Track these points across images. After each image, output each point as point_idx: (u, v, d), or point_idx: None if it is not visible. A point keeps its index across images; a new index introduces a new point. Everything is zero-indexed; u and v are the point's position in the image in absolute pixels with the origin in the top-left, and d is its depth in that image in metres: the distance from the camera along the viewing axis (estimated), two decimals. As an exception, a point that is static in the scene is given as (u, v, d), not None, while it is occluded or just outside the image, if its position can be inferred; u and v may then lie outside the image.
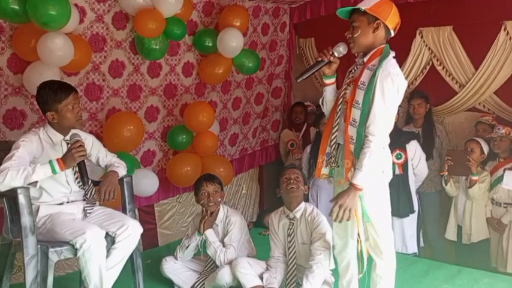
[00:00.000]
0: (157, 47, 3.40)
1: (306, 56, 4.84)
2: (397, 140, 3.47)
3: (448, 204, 3.77)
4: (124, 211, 2.64)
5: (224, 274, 2.79)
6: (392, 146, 3.38)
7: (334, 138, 2.28)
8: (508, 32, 3.60)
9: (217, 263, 2.90)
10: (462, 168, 3.43)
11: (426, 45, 3.99)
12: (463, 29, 3.80)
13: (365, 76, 2.15)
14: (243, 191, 4.76)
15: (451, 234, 3.69)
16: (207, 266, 3.04)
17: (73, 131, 2.42)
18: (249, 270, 2.75)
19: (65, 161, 2.23)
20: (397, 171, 3.46)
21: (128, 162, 2.81)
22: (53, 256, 2.26)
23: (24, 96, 2.95)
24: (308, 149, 4.09)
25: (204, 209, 3.02)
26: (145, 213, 3.81)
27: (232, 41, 3.74)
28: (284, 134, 4.79)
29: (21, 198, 2.16)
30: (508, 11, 3.57)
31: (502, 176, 3.39)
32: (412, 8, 3.94)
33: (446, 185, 3.60)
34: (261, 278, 2.77)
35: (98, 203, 2.57)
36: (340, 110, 2.26)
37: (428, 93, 3.89)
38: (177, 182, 3.75)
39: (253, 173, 4.89)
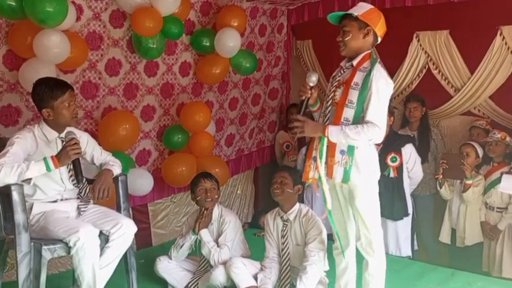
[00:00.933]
0: (155, 46, 3.40)
1: (303, 57, 4.84)
2: (393, 143, 3.49)
3: (442, 207, 3.78)
4: (118, 210, 2.62)
5: (218, 274, 2.78)
6: (388, 149, 3.46)
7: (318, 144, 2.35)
8: (503, 37, 3.63)
9: (212, 262, 2.90)
10: (457, 171, 3.45)
11: (423, 49, 4.01)
12: (460, 34, 3.82)
13: (358, 77, 2.26)
14: (238, 192, 4.76)
15: (445, 237, 3.70)
16: (201, 265, 3.03)
17: (68, 129, 2.41)
18: (243, 270, 2.75)
19: (59, 158, 2.22)
20: (392, 174, 3.47)
21: (123, 161, 2.80)
22: (46, 254, 2.25)
23: (19, 93, 2.94)
24: (303, 150, 4.10)
25: (200, 208, 3.02)
26: (139, 213, 3.79)
27: (229, 41, 3.74)
28: (279, 135, 4.80)
29: (15, 195, 2.14)
30: (504, 16, 3.60)
31: (496, 180, 3.41)
32: (409, 11, 3.98)
33: (440, 188, 3.61)
34: (255, 278, 2.77)
35: (92, 201, 2.56)
36: (329, 111, 2.35)
37: (424, 96, 3.90)
38: (172, 181, 3.75)
39: (248, 174, 4.89)
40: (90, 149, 2.61)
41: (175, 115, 3.89)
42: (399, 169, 3.50)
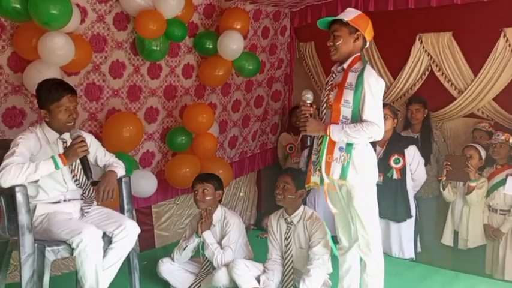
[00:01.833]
0: (158, 48, 3.41)
1: (306, 60, 4.85)
2: (396, 145, 3.49)
3: (445, 209, 3.77)
4: (122, 211, 2.63)
5: (221, 276, 2.78)
6: (391, 151, 3.45)
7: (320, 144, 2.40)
8: (507, 39, 3.62)
9: (215, 264, 2.90)
10: (460, 173, 3.43)
11: (426, 51, 4.00)
12: (463, 35, 3.81)
13: (351, 78, 2.35)
14: (241, 194, 4.76)
15: (447, 239, 3.69)
16: (203, 267, 3.04)
17: (73, 130, 2.41)
18: (246, 272, 2.75)
19: (67, 156, 2.24)
20: (395, 176, 3.46)
21: (126, 163, 2.81)
22: (50, 255, 2.25)
23: (24, 95, 2.95)
24: (306, 152, 4.09)
25: (202, 210, 3.02)
26: (143, 215, 3.80)
27: (232, 44, 3.75)
28: (282, 137, 4.80)
29: (19, 196, 2.15)
30: (507, 18, 3.59)
31: (500, 182, 3.40)
32: (412, 13, 3.97)
33: (444, 190, 3.60)
34: (258, 280, 2.77)
35: (95, 202, 2.56)
36: (324, 114, 2.43)
37: (427, 98, 3.90)
38: (175, 183, 3.75)
39: (251, 176, 4.89)
40: (94, 150, 2.61)
41: (179, 117, 3.90)
42: (402, 171, 3.49)
